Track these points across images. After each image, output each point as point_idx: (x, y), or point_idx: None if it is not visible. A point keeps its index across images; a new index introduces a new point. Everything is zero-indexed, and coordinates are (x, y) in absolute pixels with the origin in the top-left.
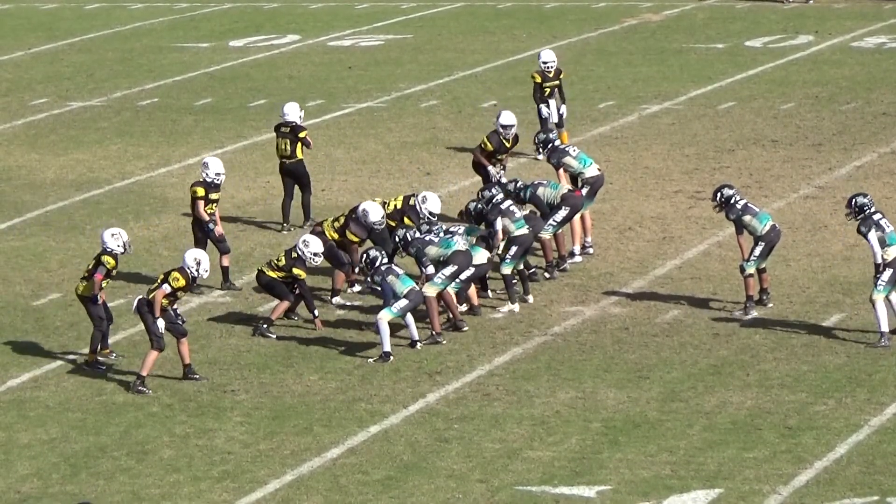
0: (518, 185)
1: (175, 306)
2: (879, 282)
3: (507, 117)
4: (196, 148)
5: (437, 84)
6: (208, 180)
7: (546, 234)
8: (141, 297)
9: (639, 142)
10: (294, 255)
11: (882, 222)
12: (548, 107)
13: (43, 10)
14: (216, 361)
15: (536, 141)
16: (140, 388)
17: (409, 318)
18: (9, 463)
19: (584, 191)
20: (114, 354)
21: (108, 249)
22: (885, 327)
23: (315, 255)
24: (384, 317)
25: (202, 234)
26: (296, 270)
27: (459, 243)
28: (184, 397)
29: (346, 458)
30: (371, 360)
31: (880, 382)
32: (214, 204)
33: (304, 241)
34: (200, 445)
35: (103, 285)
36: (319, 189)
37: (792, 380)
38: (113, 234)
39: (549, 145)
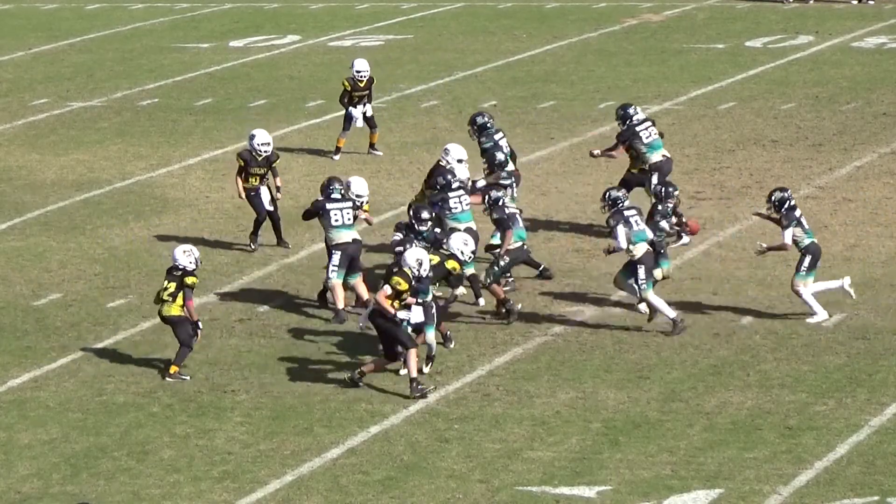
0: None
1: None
2: (801, 269)
3: (458, 151)
4: (196, 148)
5: (437, 84)
6: (250, 149)
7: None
8: (373, 307)
9: None
10: (395, 269)
11: (802, 219)
12: (350, 115)
13: (43, 10)
14: (216, 361)
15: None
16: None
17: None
18: (9, 463)
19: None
20: (187, 377)
21: (181, 266)
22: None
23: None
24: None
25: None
26: (395, 279)
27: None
28: (184, 397)
29: (347, 459)
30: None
31: (880, 382)
32: (258, 178)
33: (418, 260)
34: (201, 445)
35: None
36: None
37: (792, 380)
38: (185, 252)
39: (497, 203)
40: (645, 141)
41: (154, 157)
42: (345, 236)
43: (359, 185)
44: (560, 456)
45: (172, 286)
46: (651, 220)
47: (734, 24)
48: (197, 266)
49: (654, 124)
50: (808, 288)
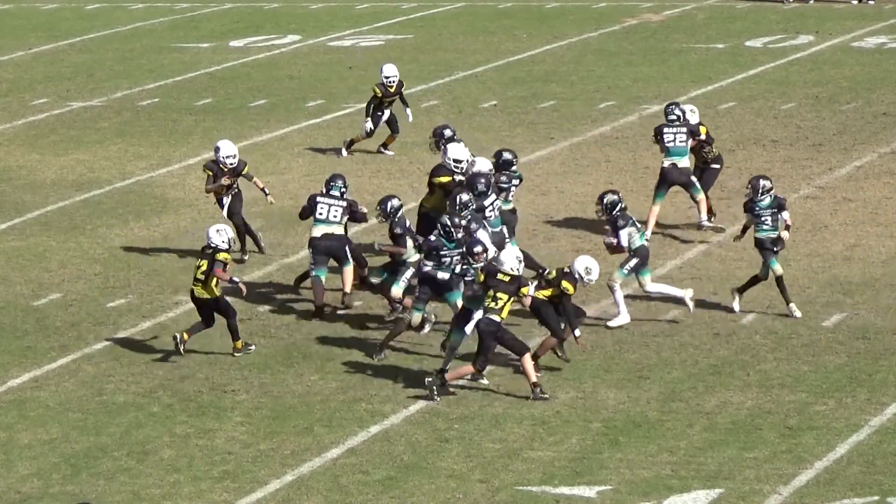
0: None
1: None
2: (625, 267)
3: (458, 151)
4: (196, 148)
5: (437, 84)
6: (216, 161)
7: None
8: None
9: (639, 142)
10: (566, 269)
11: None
12: (378, 118)
13: (43, 10)
14: (216, 361)
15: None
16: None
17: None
18: (9, 463)
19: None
20: (252, 347)
21: (214, 245)
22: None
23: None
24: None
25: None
26: (564, 283)
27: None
28: (184, 397)
29: (347, 458)
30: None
31: (880, 382)
32: (224, 189)
33: (587, 268)
34: (201, 445)
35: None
36: (319, 189)
37: (792, 380)
38: (218, 230)
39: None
40: (665, 143)
41: (154, 157)
42: (318, 231)
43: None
44: (560, 456)
45: (205, 264)
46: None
47: (734, 24)
48: (230, 246)
49: (690, 133)
50: (621, 289)
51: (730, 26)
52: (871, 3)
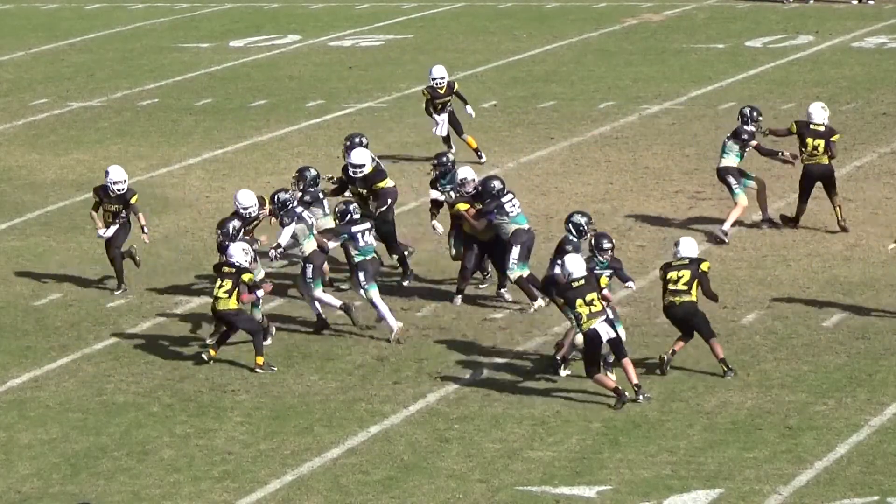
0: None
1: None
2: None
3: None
4: (196, 148)
5: None
6: (105, 185)
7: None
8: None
9: (639, 142)
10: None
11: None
12: (440, 115)
13: (43, 10)
14: (216, 361)
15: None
16: None
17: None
18: (9, 463)
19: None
20: (274, 368)
21: (238, 264)
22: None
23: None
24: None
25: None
26: (703, 266)
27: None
28: (184, 397)
29: (347, 458)
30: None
31: (880, 382)
32: (111, 215)
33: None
34: (201, 445)
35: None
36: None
37: (792, 380)
38: (243, 249)
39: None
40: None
41: (154, 157)
42: (323, 224)
43: (245, 198)
44: (560, 456)
45: (228, 283)
46: None
47: (734, 24)
48: (253, 262)
49: (734, 133)
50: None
51: (730, 26)
52: (871, 3)
